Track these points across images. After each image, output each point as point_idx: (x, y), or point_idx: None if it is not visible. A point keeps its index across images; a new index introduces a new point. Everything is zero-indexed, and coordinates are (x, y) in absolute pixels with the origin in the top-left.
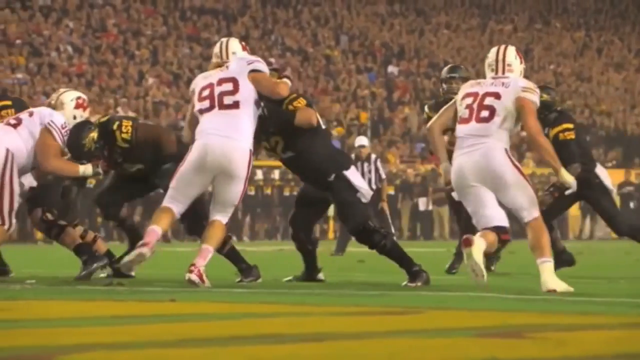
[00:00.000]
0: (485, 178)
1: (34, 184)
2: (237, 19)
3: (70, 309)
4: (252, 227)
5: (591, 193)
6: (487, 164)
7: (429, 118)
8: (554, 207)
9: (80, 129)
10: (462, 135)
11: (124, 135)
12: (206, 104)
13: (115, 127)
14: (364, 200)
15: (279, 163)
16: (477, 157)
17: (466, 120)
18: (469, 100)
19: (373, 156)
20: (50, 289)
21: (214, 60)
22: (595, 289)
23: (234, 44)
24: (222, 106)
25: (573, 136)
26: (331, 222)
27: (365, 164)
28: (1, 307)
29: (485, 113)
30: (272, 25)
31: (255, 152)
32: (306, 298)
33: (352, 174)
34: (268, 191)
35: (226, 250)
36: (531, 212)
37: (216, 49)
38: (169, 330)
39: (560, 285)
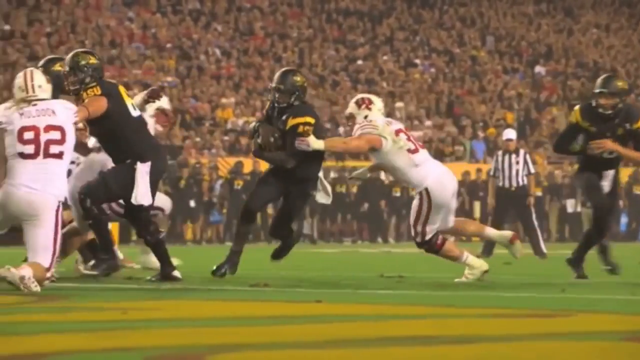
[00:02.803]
0: None
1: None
2: (382, 20)
3: (219, 309)
4: (397, 227)
5: None
6: None
7: (576, 125)
8: None
9: None
10: None
11: None
12: (30, 149)
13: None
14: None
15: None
16: None
17: None
18: None
19: (522, 150)
20: (199, 289)
21: (19, 93)
22: None
23: (38, 77)
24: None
25: None
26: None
27: (513, 156)
28: (151, 306)
29: None
30: (417, 26)
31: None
32: (453, 300)
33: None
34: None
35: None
36: None
37: (19, 81)
38: (315, 331)
39: None
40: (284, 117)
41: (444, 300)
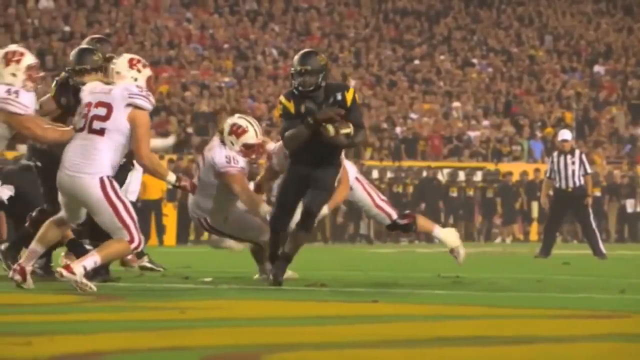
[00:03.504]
0: None
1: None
2: (439, 20)
3: (276, 309)
4: (455, 228)
5: None
6: None
7: None
8: None
9: None
10: None
11: None
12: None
13: None
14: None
15: (481, 164)
16: None
17: None
18: None
19: (577, 151)
20: (256, 289)
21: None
22: None
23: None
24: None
25: None
26: (534, 224)
27: (569, 157)
28: (209, 306)
29: None
30: (475, 25)
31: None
32: (510, 300)
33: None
34: (470, 193)
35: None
36: None
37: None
38: (371, 331)
39: None
40: (337, 96)
41: (500, 301)
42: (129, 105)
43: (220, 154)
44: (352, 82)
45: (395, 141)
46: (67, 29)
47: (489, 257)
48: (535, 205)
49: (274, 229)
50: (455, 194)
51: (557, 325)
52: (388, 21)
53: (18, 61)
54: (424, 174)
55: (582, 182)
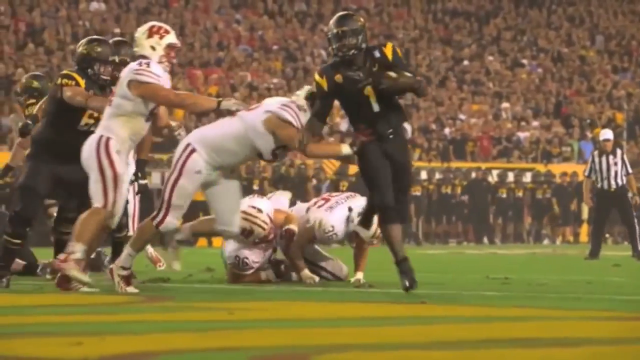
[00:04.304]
0: None
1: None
2: (489, 20)
3: (324, 310)
4: (504, 229)
5: None
6: None
7: None
8: None
9: None
10: None
11: None
12: None
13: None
14: None
15: (531, 165)
16: None
17: None
18: None
19: (619, 150)
20: (304, 290)
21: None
22: None
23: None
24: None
25: None
26: (584, 225)
27: (611, 157)
28: (257, 307)
29: None
30: (524, 26)
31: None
32: (559, 302)
33: None
34: (519, 194)
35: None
36: None
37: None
38: (419, 332)
39: None
40: (375, 54)
41: (549, 302)
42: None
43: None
44: None
45: (443, 142)
46: (117, 30)
47: (538, 259)
48: (585, 207)
49: (388, 205)
50: (504, 195)
51: (605, 327)
52: (437, 22)
53: (161, 37)
54: (473, 175)
55: (625, 181)
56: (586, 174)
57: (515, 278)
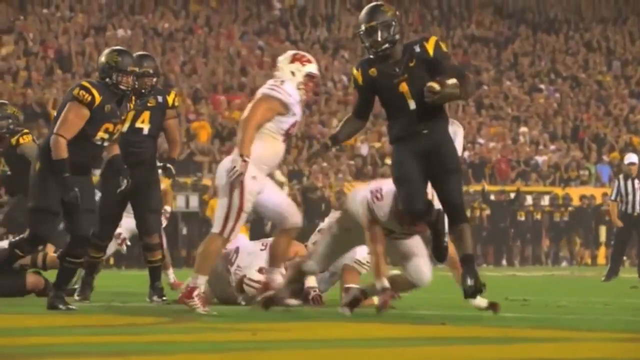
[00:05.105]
0: None
1: None
2: (507, 46)
3: (346, 331)
4: (522, 251)
5: None
6: None
7: None
8: None
9: None
10: None
11: None
12: None
13: None
14: None
15: (549, 189)
16: None
17: None
18: None
19: None
20: (327, 312)
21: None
22: None
23: None
24: None
25: None
26: (602, 248)
27: (636, 181)
28: (281, 327)
29: None
30: (542, 51)
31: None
32: (578, 323)
33: None
34: (538, 216)
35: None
36: None
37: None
38: (439, 353)
39: None
40: (415, 49)
41: (568, 324)
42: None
43: None
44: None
45: (462, 165)
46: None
47: (556, 281)
48: (602, 230)
49: (419, 208)
50: (523, 218)
51: (623, 348)
52: (456, 47)
53: (303, 64)
54: (492, 197)
55: None
56: (612, 197)
57: (534, 300)
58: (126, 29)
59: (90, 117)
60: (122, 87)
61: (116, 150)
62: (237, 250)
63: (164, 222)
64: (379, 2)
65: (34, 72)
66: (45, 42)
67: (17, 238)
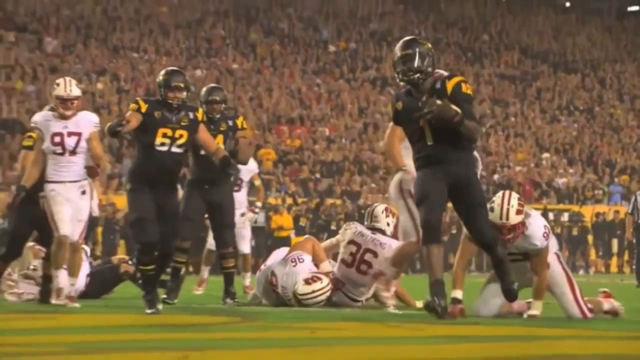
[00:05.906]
0: None
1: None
2: (532, 83)
3: (397, 330)
4: None
5: None
6: None
7: None
8: None
9: None
10: None
11: None
12: None
13: None
14: None
15: (567, 207)
16: None
17: None
18: None
19: None
20: (373, 313)
21: None
22: None
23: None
24: None
25: None
26: (614, 258)
27: None
28: (338, 327)
29: None
30: (561, 88)
31: None
32: (596, 323)
33: None
34: (558, 230)
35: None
36: None
37: None
38: (473, 349)
39: None
40: (437, 85)
41: (586, 323)
42: None
43: None
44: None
45: (491, 186)
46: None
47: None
48: (615, 242)
49: (431, 223)
50: None
51: (638, 345)
52: (487, 84)
53: None
54: None
55: None
56: (629, 211)
57: (556, 302)
58: (203, 70)
59: (142, 123)
60: (169, 101)
61: (222, 152)
62: (273, 273)
63: (253, 217)
64: (417, 37)
65: (125, 107)
66: (135, 80)
67: (134, 257)
